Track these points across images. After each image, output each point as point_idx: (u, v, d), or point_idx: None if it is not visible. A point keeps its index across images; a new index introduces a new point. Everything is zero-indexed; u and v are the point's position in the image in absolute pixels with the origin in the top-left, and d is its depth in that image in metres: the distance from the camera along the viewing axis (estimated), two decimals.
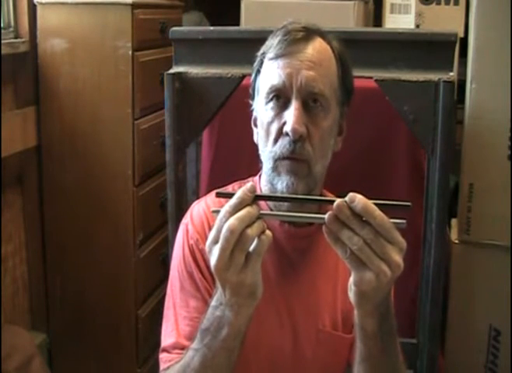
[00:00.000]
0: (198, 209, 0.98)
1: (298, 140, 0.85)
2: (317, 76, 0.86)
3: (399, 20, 1.81)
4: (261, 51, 0.93)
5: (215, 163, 1.41)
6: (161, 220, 1.90)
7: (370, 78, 1.18)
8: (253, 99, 0.96)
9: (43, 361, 1.53)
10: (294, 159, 0.86)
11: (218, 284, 0.74)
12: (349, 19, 1.70)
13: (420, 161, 1.34)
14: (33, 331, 1.81)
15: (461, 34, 1.61)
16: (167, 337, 0.91)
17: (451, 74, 1.19)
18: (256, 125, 0.96)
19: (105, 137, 1.75)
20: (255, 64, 0.94)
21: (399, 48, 1.21)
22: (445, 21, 1.76)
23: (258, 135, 0.94)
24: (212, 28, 1.32)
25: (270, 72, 0.89)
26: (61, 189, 1.79)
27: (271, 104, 0.89)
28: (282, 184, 0.87)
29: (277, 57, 0.88)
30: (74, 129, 1.76)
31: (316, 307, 0.96)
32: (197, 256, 0.92)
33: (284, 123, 0.87)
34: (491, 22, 1.38)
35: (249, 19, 1.75)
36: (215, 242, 0.70)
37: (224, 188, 1.01)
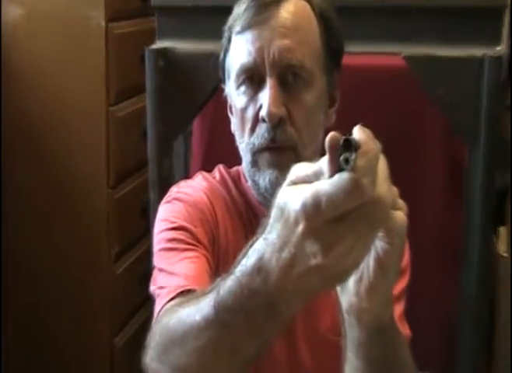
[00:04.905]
0: (190, 184, 1.03)
1: (278, 124, 0.88)
2: (292, 44, 0.89)
3: None
4: (227, 25, 0.96)
5: (208, 158, 1.42)
6: (142, 228, 1.91)
7: (397, 54, 1.19)
8: (224, 83, 0.99)
9: None
10: (276, 149, 0.89)
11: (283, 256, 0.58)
12: None
13: (458, 155, 1.36)
14: None
15: None
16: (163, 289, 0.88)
17: (499, 48, 1.20)
18: (232, 113, 0.99)
19: (72, 127, 1.76)
20: (223, 40, 0.97)
21: (432, 17, 1.22)
22: None
23: (234, 124, 0.98)
24: None
25: (238, 49, 0.92)
26: (20, 191, 1.80)
27: (243, 87, 0.92)
28: (264, 180, 0.90)
29: (244, 29, 0.91)
30: (33, 117, 1.77)
31: (315, 308, 0.98)
32: (205, 208, 0.96)
33: (260, 108, 0.90)
34: None
35: None
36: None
37: (211, 173, 1.06)
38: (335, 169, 0.54)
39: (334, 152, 0.54)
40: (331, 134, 0.54)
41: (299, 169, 0.58)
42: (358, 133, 0.55)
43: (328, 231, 0.53)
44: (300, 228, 0.54)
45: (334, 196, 0.52)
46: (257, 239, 0.60)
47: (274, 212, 0.57)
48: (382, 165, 0.56)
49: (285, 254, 0.56)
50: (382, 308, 0.71)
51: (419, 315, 1.11)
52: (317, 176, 0.56)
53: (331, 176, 0.54)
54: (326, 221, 0.53)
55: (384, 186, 0.55)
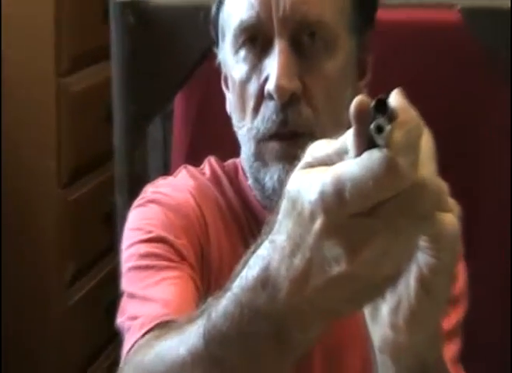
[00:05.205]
0: (170, 183, 1.04)
1: (289, 103, 0.89)
2: None
3: None
4: None
5: (195, 148, 1.43)
6: (105, 242, 1.92)
7: (450, 6, 1.21)
8: (218, 46, 1.00)
9: None
10: (287, 136, 0.90)
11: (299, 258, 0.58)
12: None
13: None
14: None
15: None
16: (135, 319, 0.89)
17: None
18: (228, 87, 1.00)
19: (10, 104, 1.77)
20: None
21: None
22: None
23: (231, 102, 0.98)
24: None
25: (236, 1, 0.93)
26: None
27: (242, 52, 0.93)
28: (271, 178, 0.92)
29: None
30: None
31: (339, 341, 0.99)
32: (191, 213, 0.98)
33: (266, 80, 0.90)
34: None
35: None
36: None
37: (200, 168, 1.07)
38: (364, 144, 0.52)
39: (362, 121, 0.52)
40: (359, 97, 0.52)
41: (317, 148, 0.57)
42: (395, 98, 0.53)
43: (355, 229, 0.52)
44: (318, 224, 0.52)
45: (362, 181, 0.50)
46: (261, 243, 0.59)
47: (283, 205, 0.56)
48: (426, 140, 0.54)
49: (298, 261, 0.54)
50: (426, 346, 0.70)
51: (476, 357, 1.11)
52: (340, 155, 0.54)
53: (359, 154, 0.52)
54: (351, 215, 0.51)
55: (429, 167, 0.53)
